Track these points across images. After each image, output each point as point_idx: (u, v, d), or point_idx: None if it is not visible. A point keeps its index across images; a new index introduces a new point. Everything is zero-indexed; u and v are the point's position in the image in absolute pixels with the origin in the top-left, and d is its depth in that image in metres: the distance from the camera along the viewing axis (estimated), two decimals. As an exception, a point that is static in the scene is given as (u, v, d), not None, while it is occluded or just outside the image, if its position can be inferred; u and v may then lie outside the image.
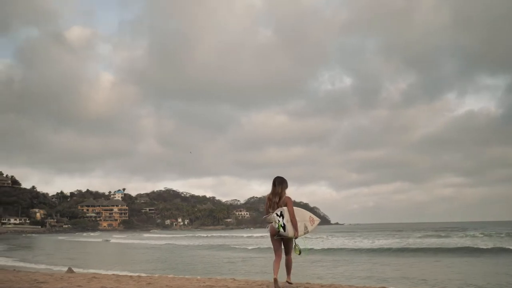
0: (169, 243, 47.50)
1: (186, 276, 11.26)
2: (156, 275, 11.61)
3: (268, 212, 7.09)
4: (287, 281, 7.17)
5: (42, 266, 20.91)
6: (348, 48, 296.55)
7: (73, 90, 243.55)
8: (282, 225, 6.76)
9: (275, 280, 6.81)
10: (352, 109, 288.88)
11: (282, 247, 7.09)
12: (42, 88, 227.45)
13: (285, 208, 6.87)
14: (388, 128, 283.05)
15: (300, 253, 6.90)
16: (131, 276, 11.15)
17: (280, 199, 7.03)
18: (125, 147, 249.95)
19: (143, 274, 12.40)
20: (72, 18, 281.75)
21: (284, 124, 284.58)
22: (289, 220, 6.81)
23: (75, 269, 14.82)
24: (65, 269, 15.40)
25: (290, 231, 6.80)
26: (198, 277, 11.57)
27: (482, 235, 42.99)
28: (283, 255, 7.10)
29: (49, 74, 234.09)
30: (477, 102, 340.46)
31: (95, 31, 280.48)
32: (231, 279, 9.79)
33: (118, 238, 68.53)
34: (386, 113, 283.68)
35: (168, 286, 8.29)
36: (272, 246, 7.13)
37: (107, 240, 61.34)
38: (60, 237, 78.59)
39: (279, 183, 7.12)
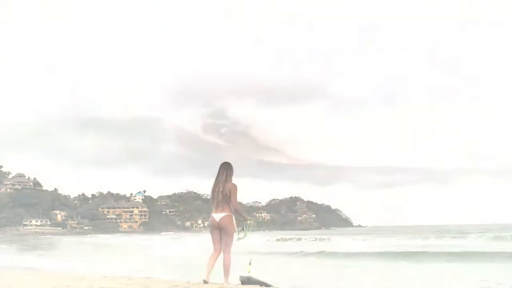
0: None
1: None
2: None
3: (213, 201, 6.83)
4: (225, 283, 6.48)
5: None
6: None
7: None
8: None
9: (205, 282, 6.28)
10: (375, 108, 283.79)
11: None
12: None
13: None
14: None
15: (244, 236, 6.86)
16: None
17: (223, 187, 6.82)
18: (147, 148, 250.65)
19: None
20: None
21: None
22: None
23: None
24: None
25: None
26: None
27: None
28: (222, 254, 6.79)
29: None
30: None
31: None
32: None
33: (121, 240, 68.22)
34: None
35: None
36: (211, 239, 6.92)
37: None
38: (65, 239, 78.10)
39: (224, 169, 6.95)
